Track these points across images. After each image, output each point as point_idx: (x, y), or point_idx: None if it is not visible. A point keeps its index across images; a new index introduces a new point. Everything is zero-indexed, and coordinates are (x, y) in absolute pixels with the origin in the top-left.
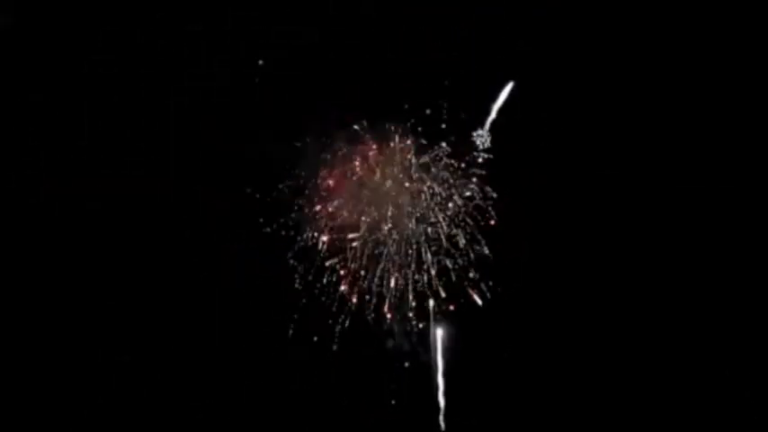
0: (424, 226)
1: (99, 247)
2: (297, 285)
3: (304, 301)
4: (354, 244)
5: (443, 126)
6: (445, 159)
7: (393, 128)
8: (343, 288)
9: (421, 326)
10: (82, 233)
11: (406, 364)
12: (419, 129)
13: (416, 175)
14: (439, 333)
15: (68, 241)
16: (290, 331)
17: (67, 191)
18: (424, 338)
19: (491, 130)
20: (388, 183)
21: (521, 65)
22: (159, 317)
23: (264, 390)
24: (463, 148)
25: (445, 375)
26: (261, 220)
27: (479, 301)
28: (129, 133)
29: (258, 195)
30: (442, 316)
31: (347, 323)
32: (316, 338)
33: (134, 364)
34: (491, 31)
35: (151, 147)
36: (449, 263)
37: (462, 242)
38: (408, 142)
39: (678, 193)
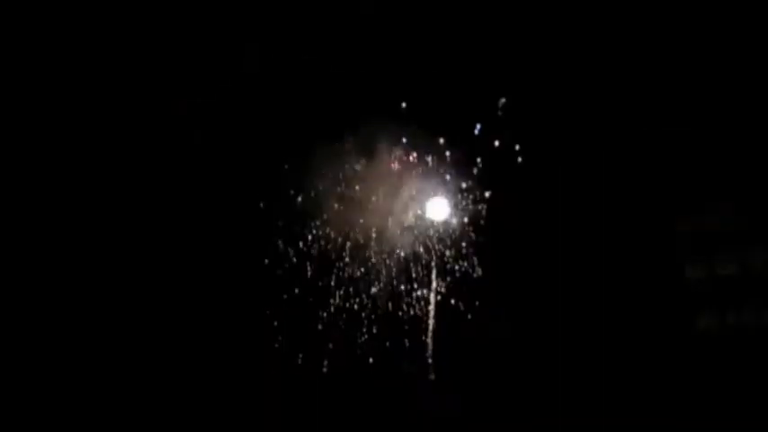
0: (414, 242)
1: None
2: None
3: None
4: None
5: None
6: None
7: (380, 139)
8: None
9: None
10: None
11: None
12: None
13: (405, 189)
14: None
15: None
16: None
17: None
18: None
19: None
20: (375, 197)
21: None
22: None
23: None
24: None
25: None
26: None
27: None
28: (130, 136)
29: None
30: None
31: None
32: (301, 359)
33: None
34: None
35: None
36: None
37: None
38: (397, 154)
39: None
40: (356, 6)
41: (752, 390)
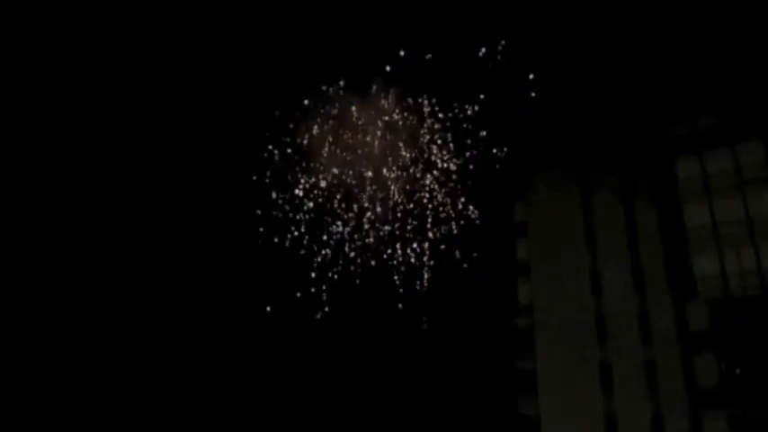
0: (407, 188)
1: (98, 247)
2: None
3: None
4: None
5: (429, 79)
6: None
7: (374, 83)
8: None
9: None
10: (80, 233)
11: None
12: (402, 83)
13: (396, 133)
14: None
15: (67, 241)
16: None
17: (67, 190)
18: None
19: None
20: (369, 141)
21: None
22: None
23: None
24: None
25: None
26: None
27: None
28: (130, 132)
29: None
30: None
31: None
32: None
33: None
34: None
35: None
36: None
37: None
38: (390, 97)
39: None
40: (356, 6)
41: None
